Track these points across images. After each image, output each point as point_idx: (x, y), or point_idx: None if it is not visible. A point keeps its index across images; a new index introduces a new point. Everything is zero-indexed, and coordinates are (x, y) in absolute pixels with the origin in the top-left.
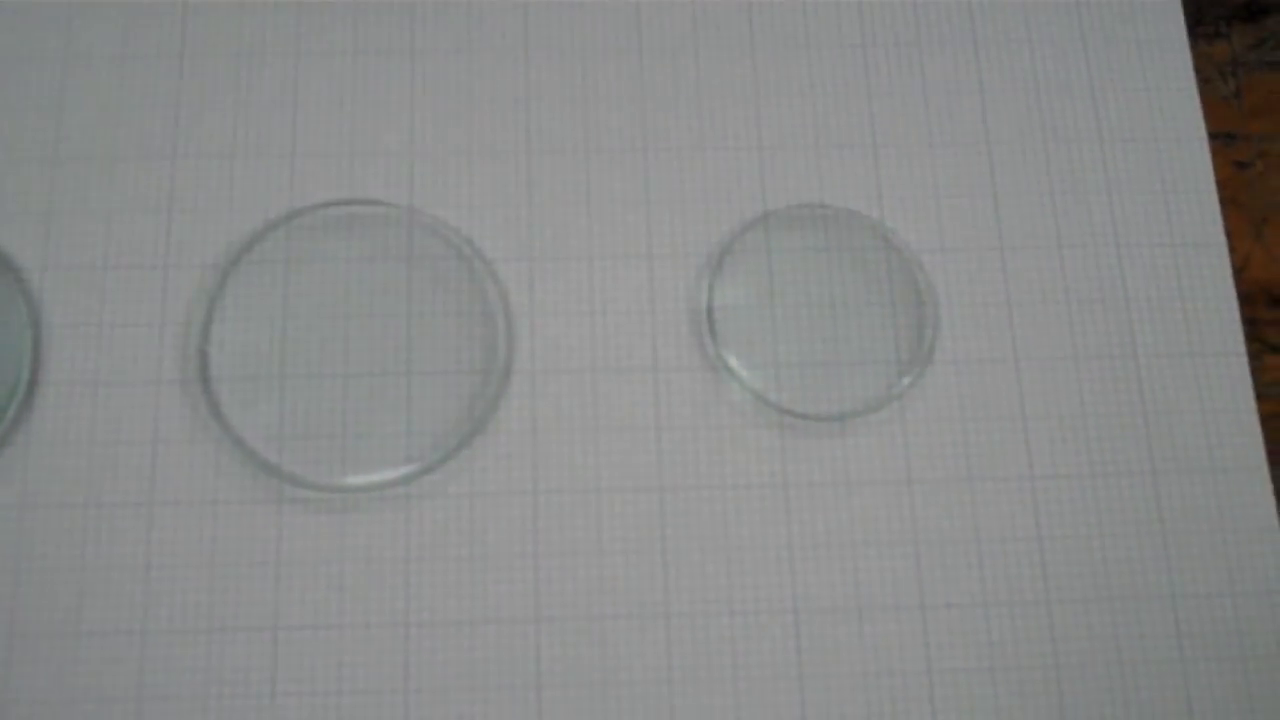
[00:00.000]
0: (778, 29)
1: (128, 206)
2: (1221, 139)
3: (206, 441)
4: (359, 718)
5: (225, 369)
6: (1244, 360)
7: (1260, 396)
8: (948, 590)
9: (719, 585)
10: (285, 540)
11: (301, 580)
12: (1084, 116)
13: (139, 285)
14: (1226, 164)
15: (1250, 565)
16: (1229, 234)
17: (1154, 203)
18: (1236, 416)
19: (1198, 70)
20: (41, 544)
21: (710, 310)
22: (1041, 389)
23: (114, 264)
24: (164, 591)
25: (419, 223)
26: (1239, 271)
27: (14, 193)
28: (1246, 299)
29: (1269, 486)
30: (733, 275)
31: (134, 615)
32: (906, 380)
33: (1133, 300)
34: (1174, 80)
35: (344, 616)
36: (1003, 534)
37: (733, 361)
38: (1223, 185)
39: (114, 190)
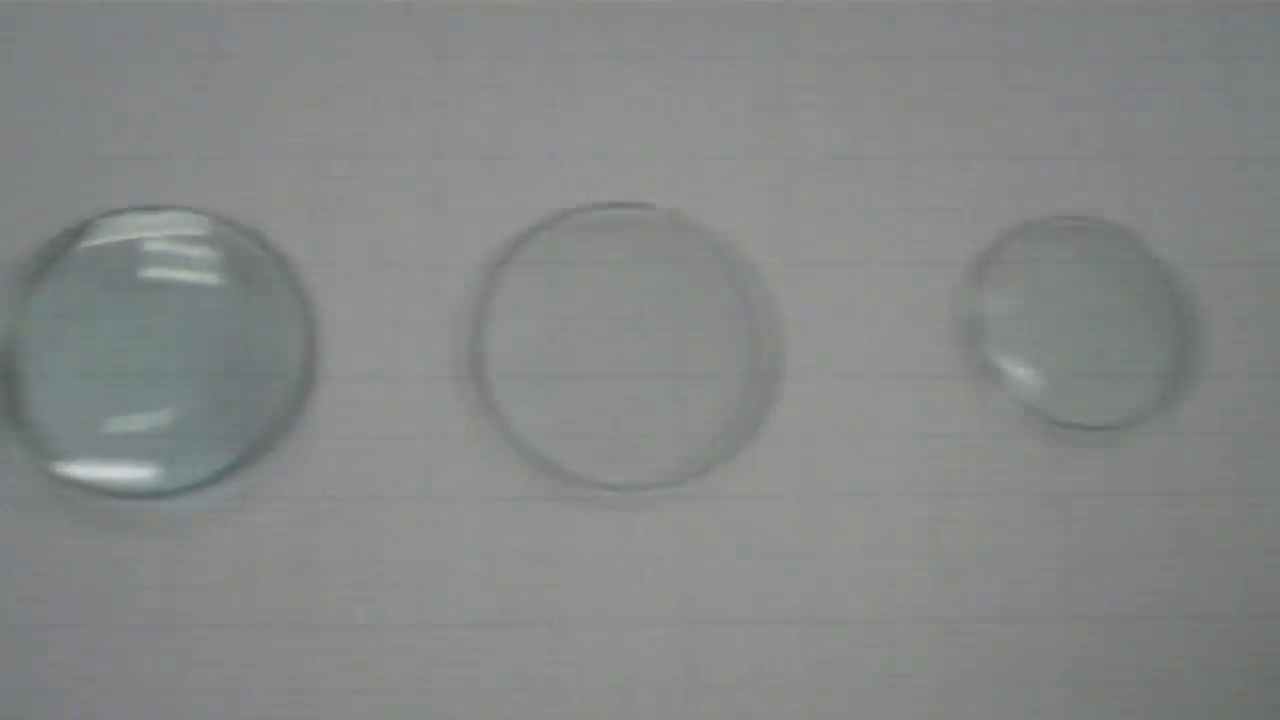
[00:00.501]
0: (1031, 37)
1: (395, 204)
2: None
3: (482, 438)
4: (640, 715)
5: (499, 366)
6: None
7: None
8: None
9: (993, 591)
10: (562, 536)
11: (579, 577)
12: None
13: (410, 282)
14: None
15: None
16: None
17: None
18: None
19: None
20: (322, 538)
21: (976, 318)
22: None
23: (384, 261)
24: (442, 586)
25: (684, 226)
26: None
27: (284, 190)
28: None
29: None
30: (995, 284)
31: (413, 609)
32: (1174, 391)
33: None
34: None
35: (621, 613)
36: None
37: (1000, 370)
38: None
39: (381, 188)
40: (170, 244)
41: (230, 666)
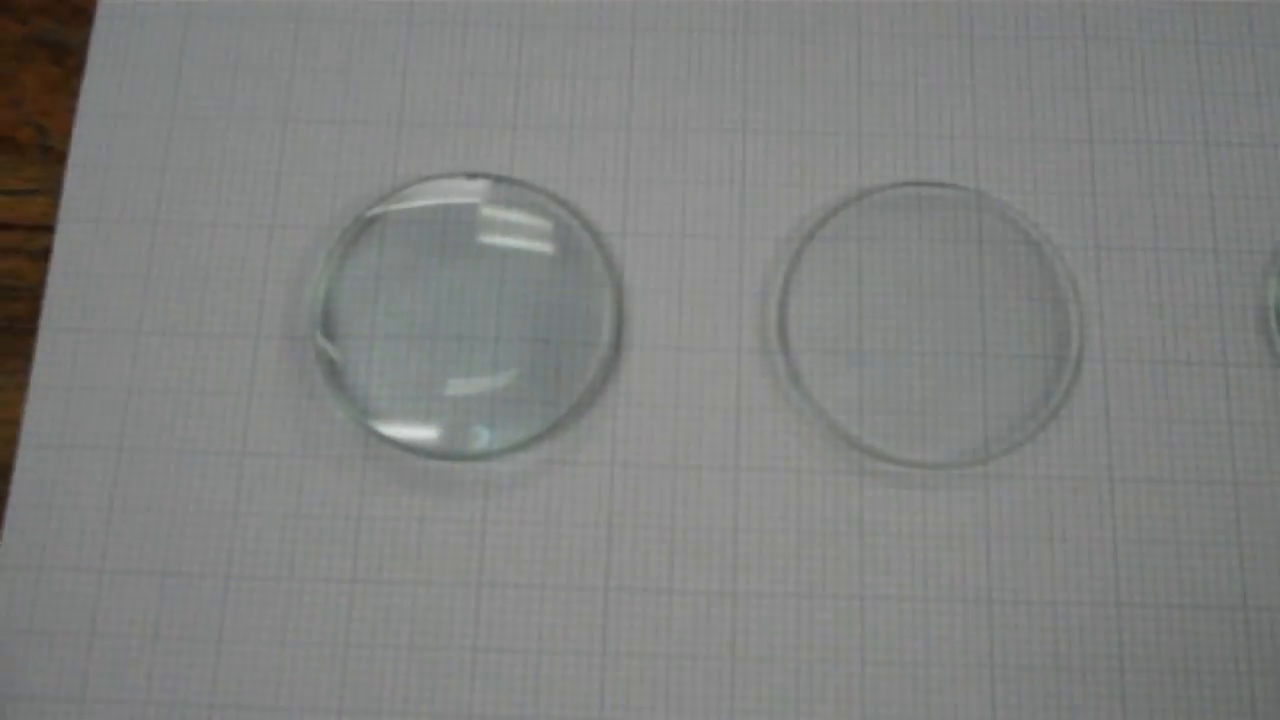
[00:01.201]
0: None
1: (700, 177)
2: None
3: (788, 410)
4: (943, 688)
5: (804, 340)
6: None
7: None
8: None
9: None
10: (866, 511)
11: (883, 550)
12: None
13: (716, 254)
14: None
15: None
16: None
17: None
18: None
19: None
20: (632, 502)
21: (1279, 307)
22: None
23: (690, 232)
24: (748, 555)
25: (987, 206)
26: None
27: (596, 160)
28: None
29: None
30: None
31: (723, 577)
32: None
33: None
34: None
35: (927, 590)
36: None
37: None
38: None
39: (686, 161)
40: (486, 211)
41: (539, 625)
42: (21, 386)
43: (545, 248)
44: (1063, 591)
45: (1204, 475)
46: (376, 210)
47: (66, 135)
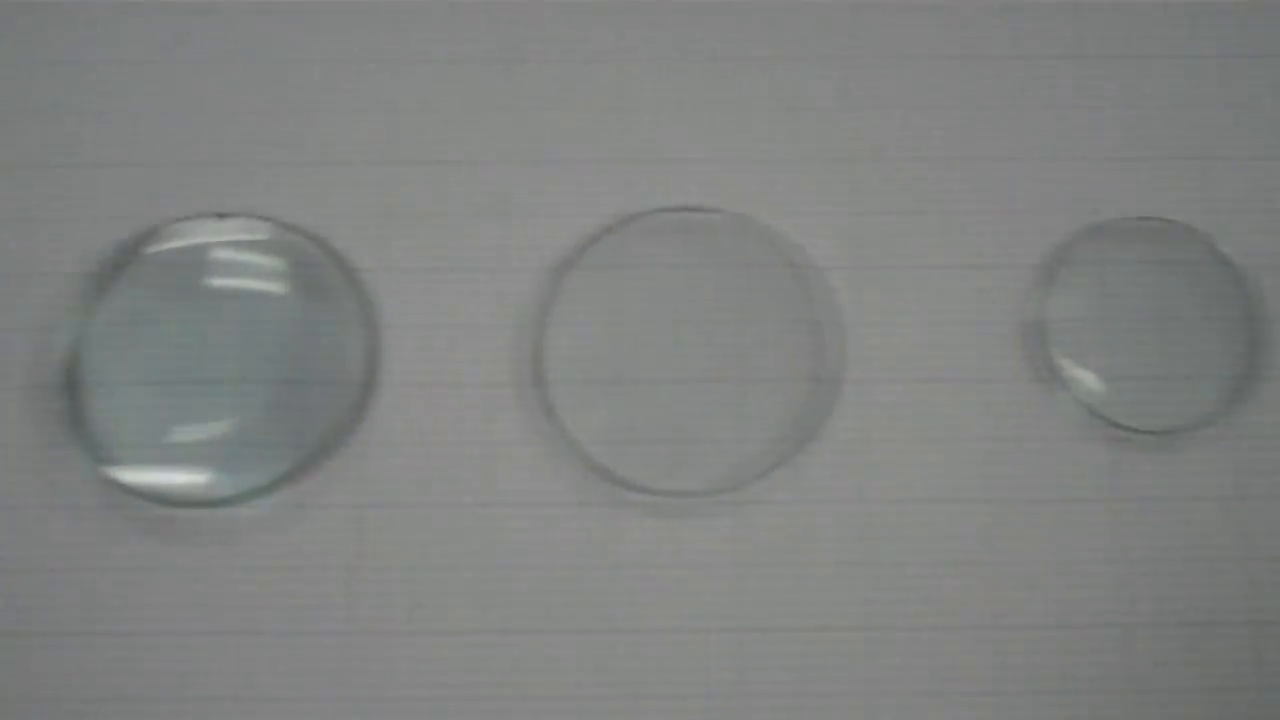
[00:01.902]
0: (1105, 36)
1: (460, 209)
2: None
3: (542, 444)
4: None
5: (560, 373)
6: None
7: None
8: None
9: (1048, 599)
10: (618, 543)
11: (634, 582)
12: None
13: (474, 287)
14: None
15: None
16: None
17: None
18: None
19: None
20: (378, 544)
21: (1042, 322)
22: None
23: (447, 265)
24: (500, 592)
25: (750, 230)
26: None
27: (350, 194)
28: None
29: None
30: (1062, 287)
31: (471, 615)
32: (1239, 395)
33: None
34: None
35: (678, 620)
36: None
37: (1063, 374)
38: None
39: (446, 192)
40: (236, 251)
41: (287, 674)
42: None
43: (295, 287)
44: (815, 618)
45: (961, 494)
46: (124, 254)
47: None
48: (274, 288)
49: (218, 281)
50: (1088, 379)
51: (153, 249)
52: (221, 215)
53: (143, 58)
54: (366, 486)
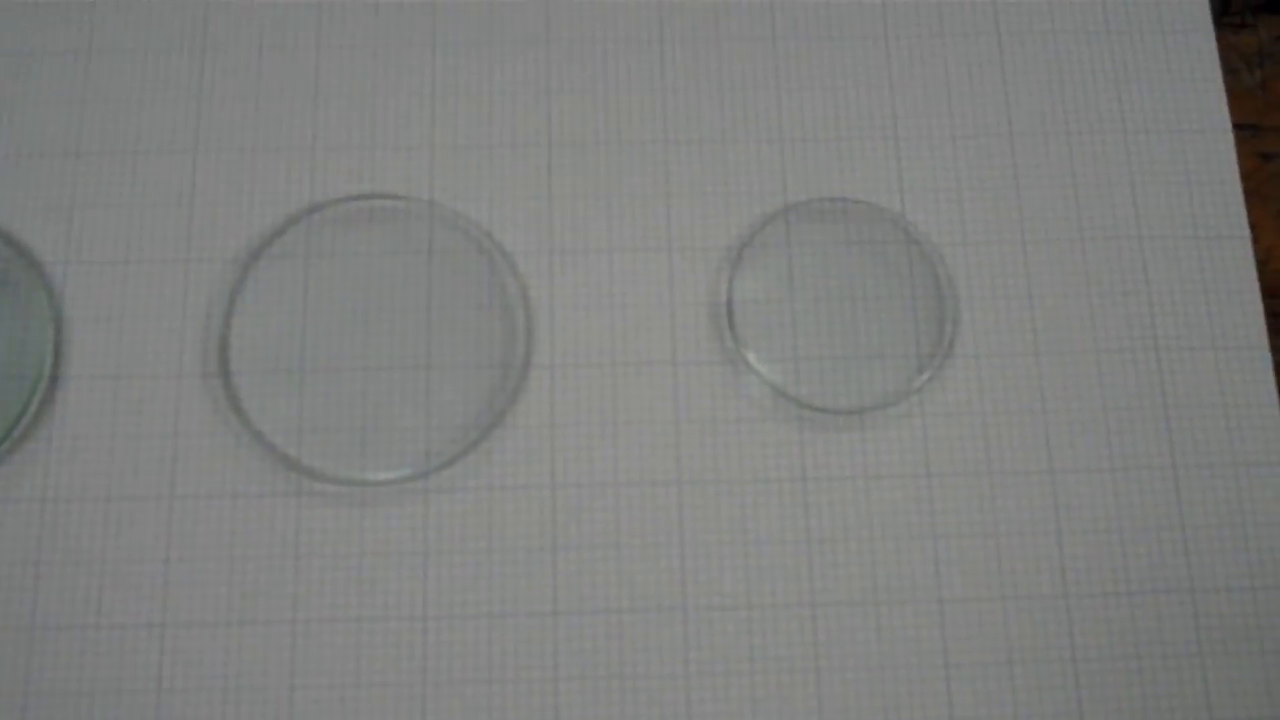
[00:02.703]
0: (799, 21)
1: (149, 200)
2: (1246, 131)
3: (227, 435)
4: (376, 711)
5: (246, 363)
6: (1267, 354)
7: None
8: (965, 584)
9: (736, 579)
10: (304, 533)
11: (320, 573)
12: (1108, 107)
13: (160, 279)
14: (1251, 156)
15: (1271, 560)
16: (1253, 227)
17: (1177, 194)
18: (1259, 410)
19: (1223, 61)
20: (63, 537)
21: (730, 303)
22: (1062, 382)
23: (136, 258)
24: (184, 584)
25: (439, 216)
26: (1262, 265)
27: (36, 186)
28: (1269, 292)
29: None
30: (753, 268)
31: (154, 608)
32: (926, 374)
33: (1155, 292)
34: (1199, 70)
35: (362, 609)
36: (1021, 528)
37: (751, 355)
38: (1246, 178)
39: (135, 184)
40: None
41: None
42: None
43: None
44: (499, 603)
45: (649, 475)
46: None
47: None
48: None
49: None
50: (775, 359)
51: None
52: None
53: None
54: (51, 481)
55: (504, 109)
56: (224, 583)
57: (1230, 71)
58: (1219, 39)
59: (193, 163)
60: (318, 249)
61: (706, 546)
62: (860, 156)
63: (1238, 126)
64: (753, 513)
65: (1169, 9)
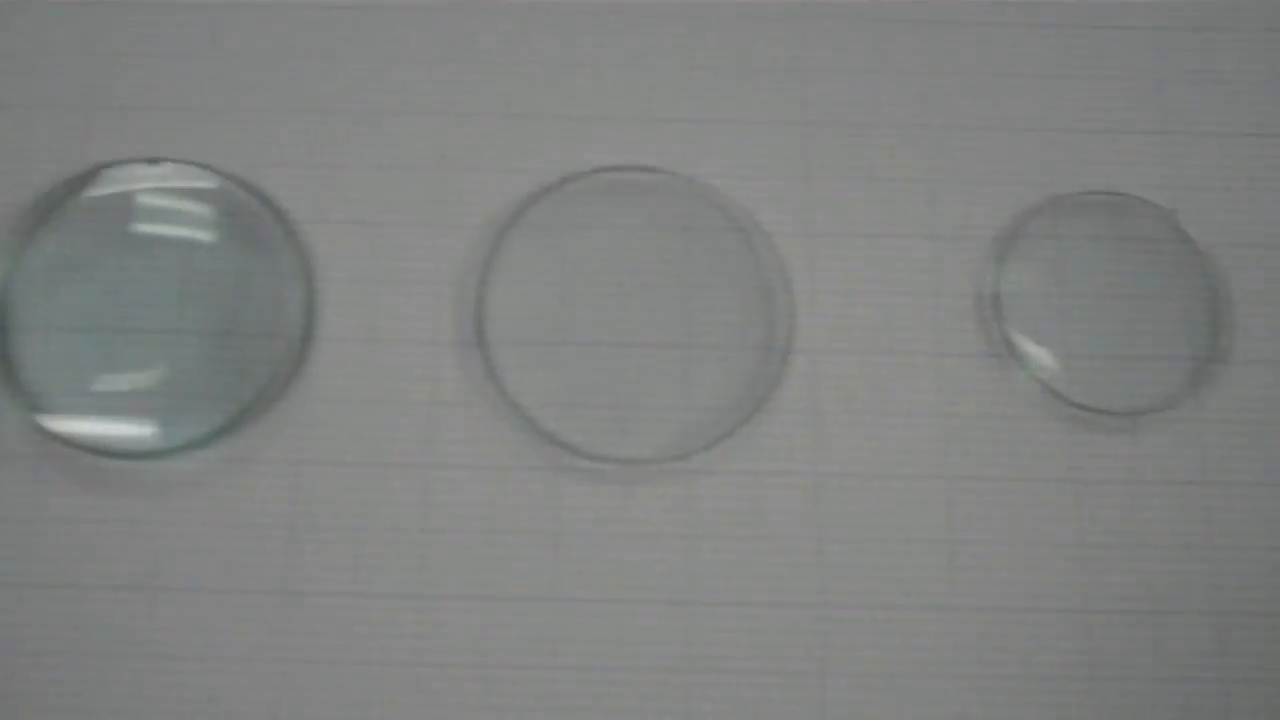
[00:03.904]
0: (1071, 6)
1: (401, 162)
2: None
3: (484, 406)
4: (637, 694)
5: (502, 333)
6: None
7: None
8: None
9: (1007, 579)
10: (564, 510)
11: (579, 551)
12: None
13: (413, 243)
14: None
15: None
16: None
17: None
18: None
19: None
20: (317, 502)
21: (997, 295)
22: None
23: (387, 220)
24: (441, 556)
25: (697, 193)
26: None
27: (286, 143)
28: None
29: None
30: (1020, 261)
31: (411, 579)
32: (1202, 377)
33: None
34: None
35: (623, 590)
36: None
37: (1020, 349)
38: None
39: (386, 145)
40: (170, 198)
41: (216, 633)
42: None
43: (231, 236)
44: (766, 592)
45: (915, 470)
46: (53, 197)
47: None
48: (210, 236)
49: (152, 228)
50: (1044, 355)
51: (84, 193)
52: (153, 160)
53: None
54: (304, 443)
55: (760, 86)
56: (482, 556)
57: None
58: None
59: (445, 126)
60: (572, 220)
61: (972, 545)
62: (1131, 150)
63: None
64: (1022, 513)
65: None
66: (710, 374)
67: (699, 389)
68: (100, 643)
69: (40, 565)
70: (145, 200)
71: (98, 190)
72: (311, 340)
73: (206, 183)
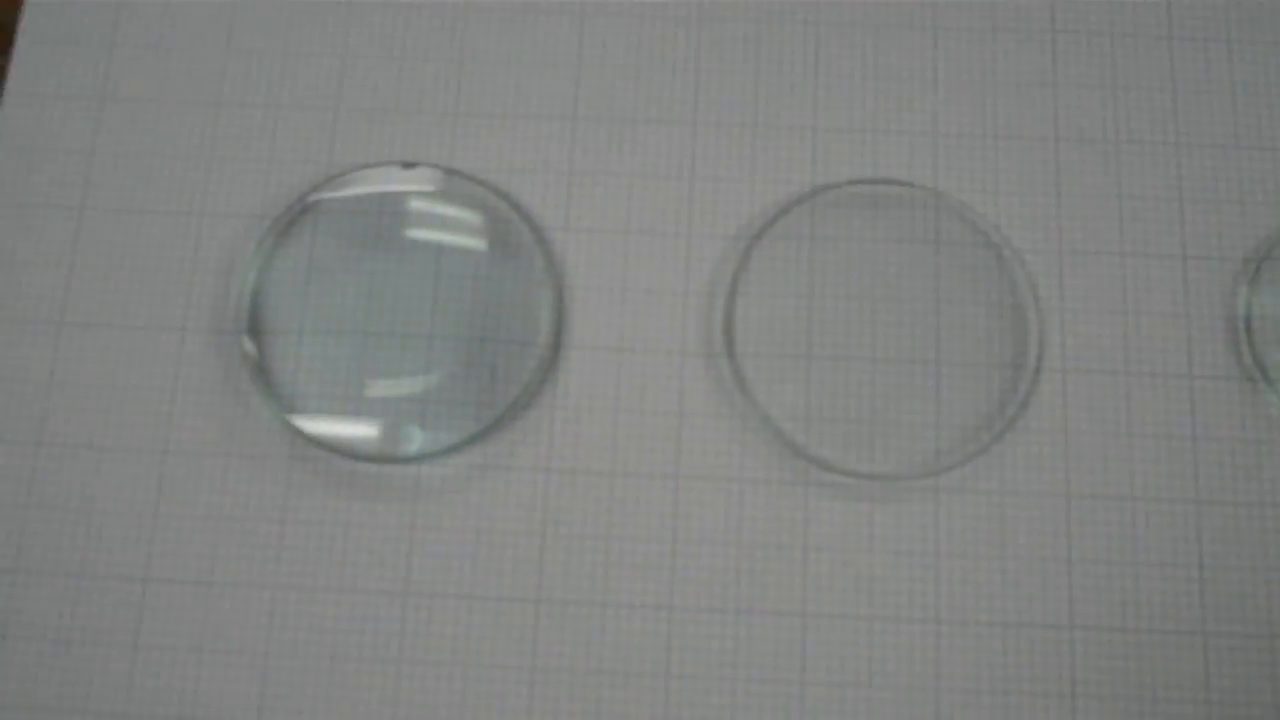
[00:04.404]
0: None
1: (647, 171)
2: None
3: (732, 417)
4: (886, 708)
5: (750, 344)
6: None
7: None
8: None
9: (1258, 605)
10: (812, 524)
11: (829, 566)
12: None
13: (661, 252)
14: None
15: None
16: None
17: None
18: None
19: None
20: (567, 510)
21: (1248, 318)
22: None
23: (635, 228)
24: (687, 568)
25: (946, 207)
26: None
27: (534, 151)
28: None
29: None
30: (1271, 282)
31: (661, 590)
32: None
33: None
34: None
35: (873, 608)
36: None
37: (1273, 373)
38: None
39: (633, 154)
40: (422, 202)
41: (467, 638)
42: None
43: (483, 242)
44: (1014, 613)
45: (1165, 493)
46: (309, 199)
47: None
48: (462, 241)
49: (405, 232)
50: None
51: (337, 195)
52: (407, 164)
53: (323, 0)
54: (554, 450)
55: (1009, 99)
56: (732, 569)
57: None
58: None
59: (692, 135)
60: (822, 232)
61: (1224, 571)
62: None
63: None
64: (1272, 538)
65: None
66: (960, 390)
67: (948, 405)
68: (348, 645)
69: (291, 568)
70: (399, 204)
71: (352, 191)
72: (560, 348)
73: (459, 188)
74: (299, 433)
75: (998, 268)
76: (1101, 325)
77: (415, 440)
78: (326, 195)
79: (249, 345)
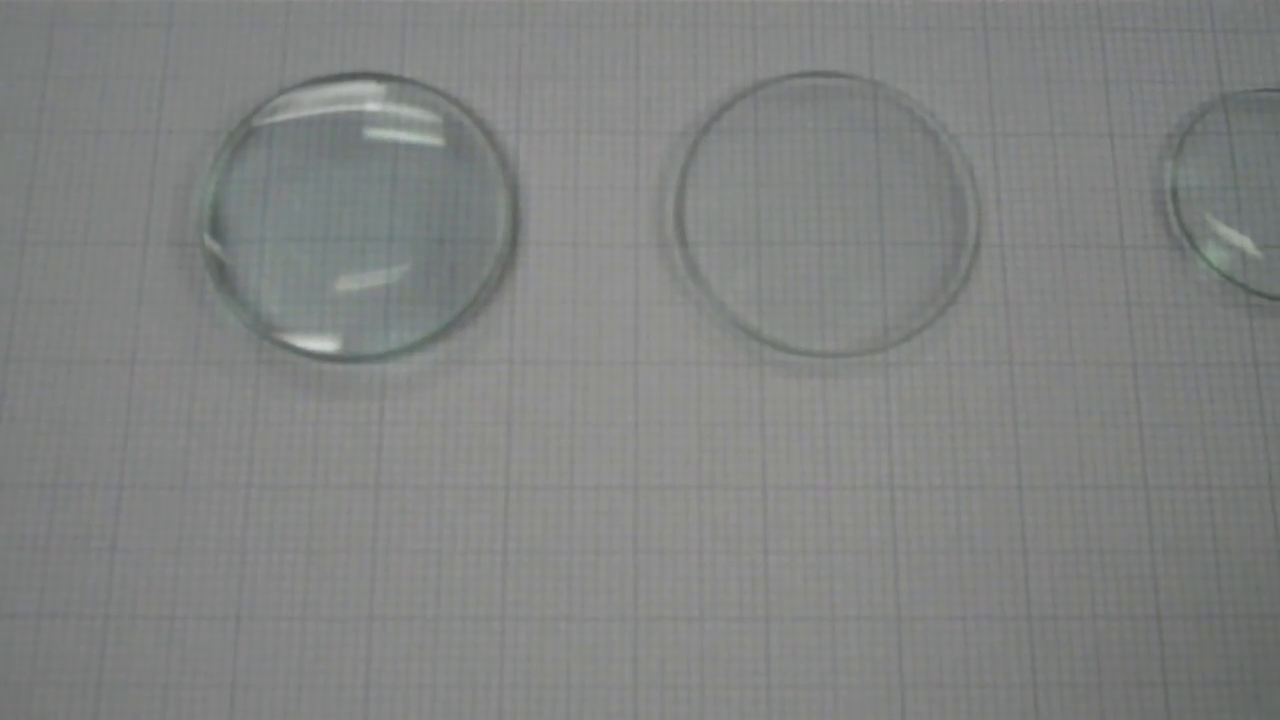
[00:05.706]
0: None
1: (595, 73)
2: None
3: (687, 304)
4: (850, 575)
5: (701, 234)
6: None
7: None
8: None
9: (1195, 459)
10: (769, 402)
11: (786, 442)
12: None
13: (611, 150)
14: None
15: None
16: None
17: None
18: None
19: None
20: (531, 398)
21: (1174, 190)
22: None
23: (585, 128)
24: (650, 449)
25: (883, 96)
26: None
27: (485, 56)
28: None
29: None
30: (1196, 155)
31: (626, 471)
32: None
33: None
34: None
35: (830, 479)
36: None
37: (1199, 241)
38: None
39: (581, 56)
40: (374, 110)
41: (440, 526)
42: None
43: (437, 146)
44: (964, 476)
45: (1103, 357)
46: (263, 113)
47: None
48: (416, 146)
49: (360, 140)
50: (1222, 246)
51: (290, 107)
52: (358, 75)
53: None
54: (516, 344)
55: None
56: (693, 448)
57: None
58: None
59: (636, 36)
60: (765, 124)
61: (1161, 428)
62: None
63: None
64: (1205, 395)
65: None
66: (904, 269)
67: (894, 284)
68: (323, 539)
69: (264, 468)
70: (353, 113)
71: (305, 104)
72: (517, 245)
73: (411, 95)
74: (266, 337)
75: (935, 152)
76: (1036, 202)
77: (379, 339)
78: (280, 106)
79: (214, 250)
